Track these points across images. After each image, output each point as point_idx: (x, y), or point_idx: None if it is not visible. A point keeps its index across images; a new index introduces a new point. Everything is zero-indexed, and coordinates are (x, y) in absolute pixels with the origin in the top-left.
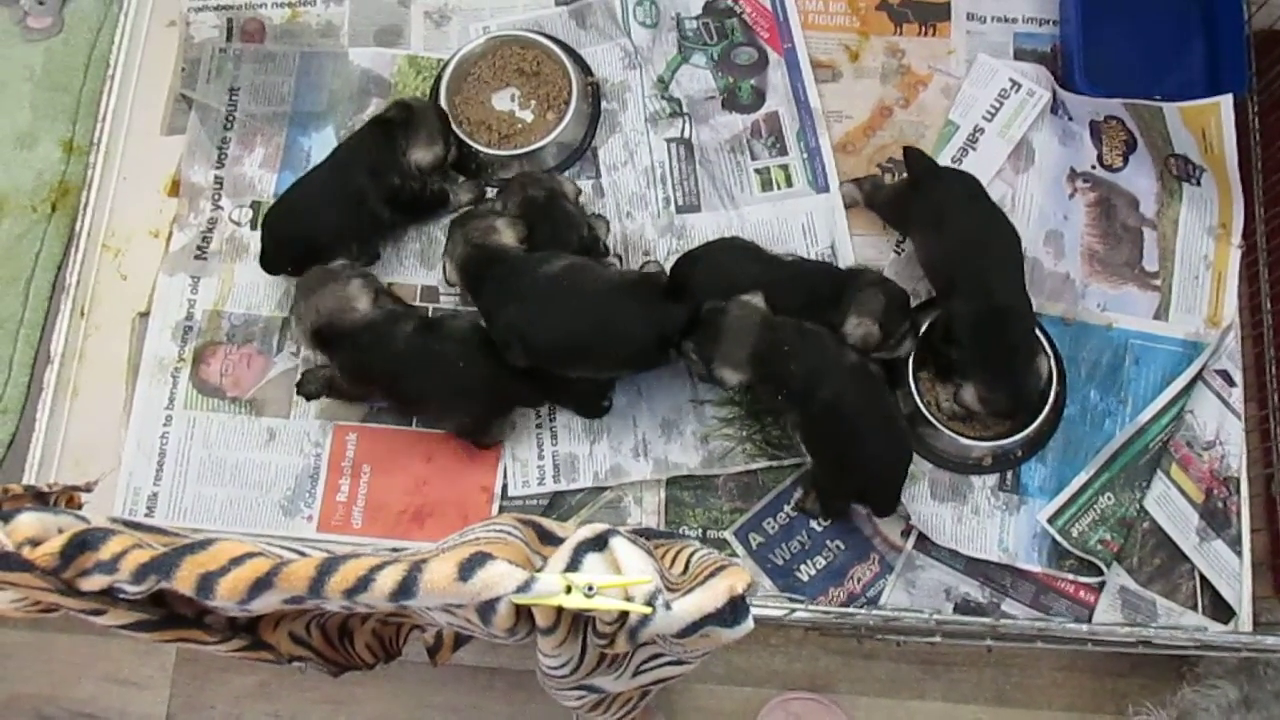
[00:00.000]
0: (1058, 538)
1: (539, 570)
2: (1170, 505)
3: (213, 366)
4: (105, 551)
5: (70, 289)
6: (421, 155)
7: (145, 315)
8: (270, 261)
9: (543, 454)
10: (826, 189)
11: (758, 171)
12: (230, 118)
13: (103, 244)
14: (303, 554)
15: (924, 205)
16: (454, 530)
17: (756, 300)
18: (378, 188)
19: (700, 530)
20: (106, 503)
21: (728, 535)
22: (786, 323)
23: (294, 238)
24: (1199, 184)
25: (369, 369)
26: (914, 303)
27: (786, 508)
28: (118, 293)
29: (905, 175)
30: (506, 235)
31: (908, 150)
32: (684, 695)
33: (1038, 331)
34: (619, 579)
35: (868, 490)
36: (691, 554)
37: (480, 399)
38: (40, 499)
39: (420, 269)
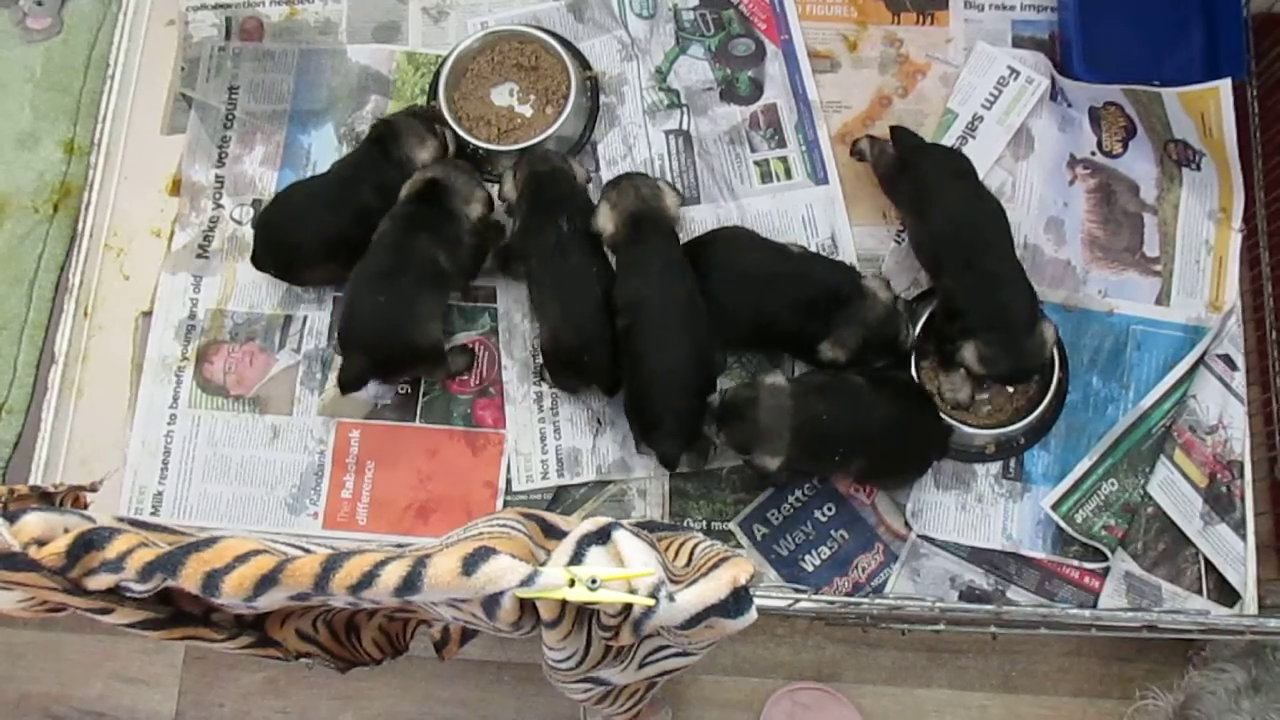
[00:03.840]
0: (1062, 524)
1: (542, 564)
2: (1174, 490)
3: (216, 365)
4: (111, 550)
5: (73, 289)
6: (420, 154)
7: (148, 314)
8: (260, 262)
9: (546, 448)
10: (826, 180)
11: (757, 163)
12: (230, 116)
13: (105, 244)
14: (308, 551)
15: (910, 183)
16: (458, 526)
17: (779, 380)
18: (383, 203)
19: (704, 522)
20: (112, 502)
21: (732, 526)
22: (811, 389)
23: (287, 243)
24: (1199, 169)
25: None
26: (916, 292)
27: (790, 498)
28: (120, 292)
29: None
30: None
31: (894, 129)
32: (691, 686)
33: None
34: (622, 571)
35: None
36: (695, 546)
37: None
38: (46, 499)
39: None
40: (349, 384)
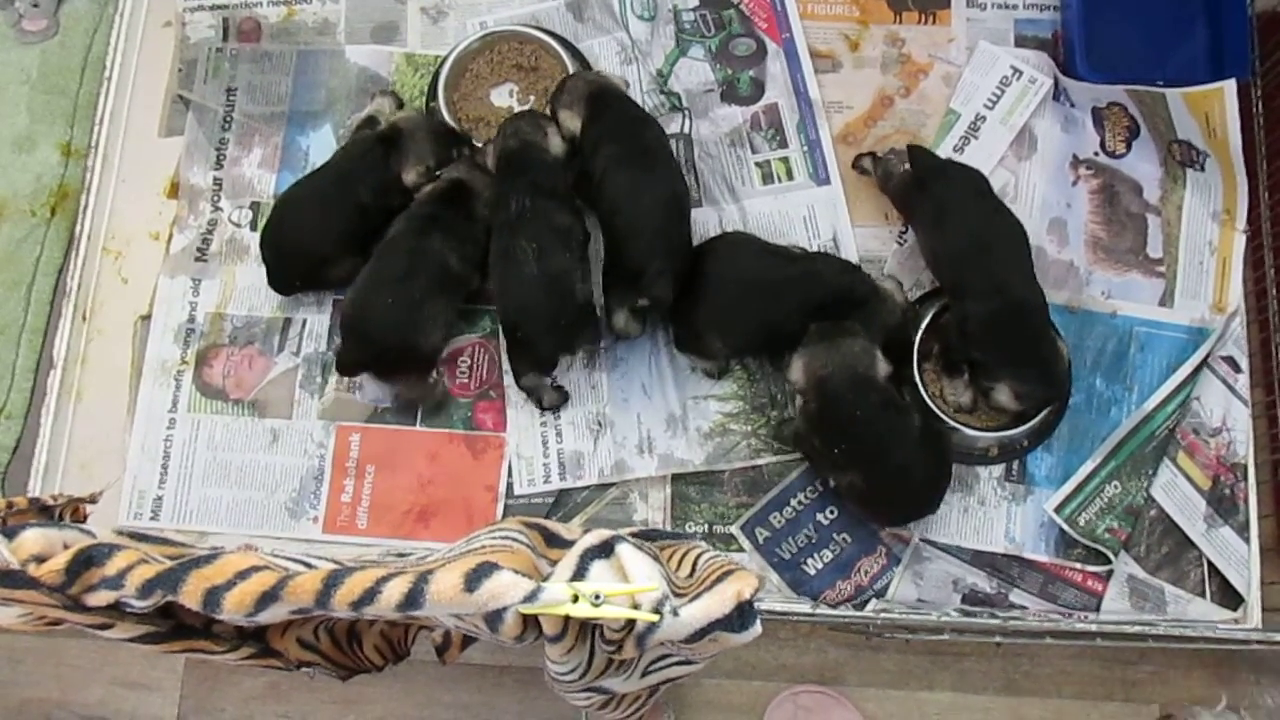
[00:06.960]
0: (1065, 527)
1: (546, 576)
2: (1177, 492)
3: (215, 368)
4: (111, 567)
5: (71, 293)
6: (408, 175)
7: (147, 318)
8: (278, 279)
9: (548, 452)
10: (827, 181)
11: (758, 164)
12: (228, 118)
13: (103, 247)
14: (308, 564)
15: (928, 203)
16: (459, 530)
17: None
18: (378, 202)
19: (706, 525)
20: (112, 507)
21: (734, 530)
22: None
23: (300, 252)
24: (1203, 169)
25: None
26: (919, 293)
27: (793, 501)
28: (119, 296)
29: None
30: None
31: (911, 148)
32: (693, 690)
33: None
34: (626, 587)
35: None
36: (698, 556)
37: None
38: (45, 512)
39: None
40: (344, 367)
